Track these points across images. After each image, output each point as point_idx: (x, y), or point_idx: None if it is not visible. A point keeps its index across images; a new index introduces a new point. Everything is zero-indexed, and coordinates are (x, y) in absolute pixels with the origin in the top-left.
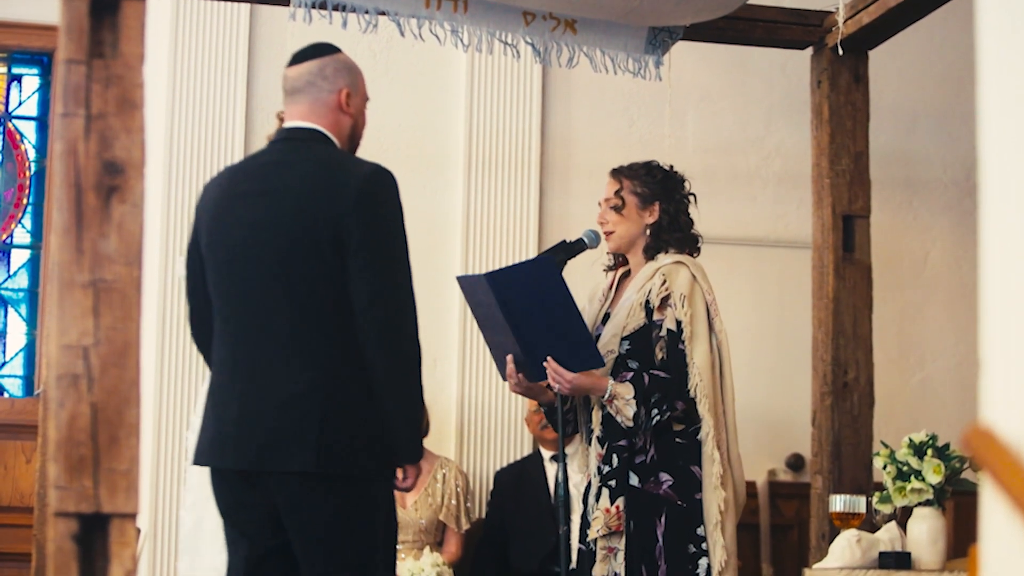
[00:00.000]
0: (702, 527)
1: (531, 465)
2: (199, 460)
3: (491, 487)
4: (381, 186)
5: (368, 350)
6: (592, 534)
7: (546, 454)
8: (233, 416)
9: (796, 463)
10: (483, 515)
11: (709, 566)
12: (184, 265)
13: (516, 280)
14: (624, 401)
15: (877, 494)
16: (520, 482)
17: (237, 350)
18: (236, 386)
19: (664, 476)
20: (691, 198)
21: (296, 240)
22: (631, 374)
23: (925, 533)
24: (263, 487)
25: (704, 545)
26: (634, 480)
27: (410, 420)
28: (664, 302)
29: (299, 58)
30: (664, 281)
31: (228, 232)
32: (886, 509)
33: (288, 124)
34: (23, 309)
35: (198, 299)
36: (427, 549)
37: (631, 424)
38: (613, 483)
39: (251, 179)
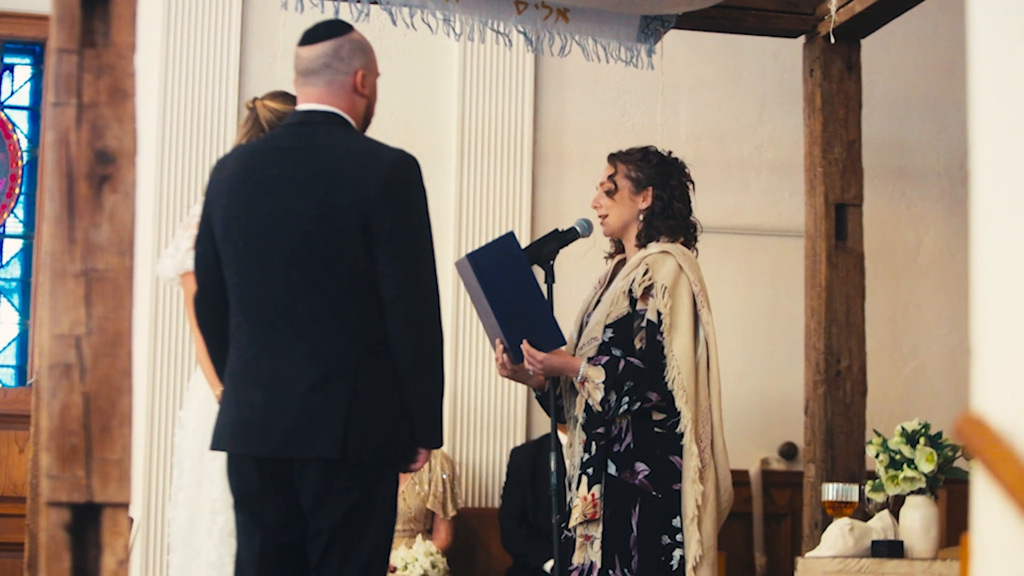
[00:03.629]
0: (678, 518)
1: (546, 447)
2: (218, 445)
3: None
4: (409, 172)
5: (395, 338)
6: (571, 522)
7: (563, 438)
8: (256, 402)
9: (789, 452)
10: (500, 495)
11: (683, 558)
12: (171, 257)
13: (491, 259)
14: (594, 385)
15: (870, 483)
16: (535, 464)
17: (259, 336)
18: (259, 371)
19: (640, 466)
20: (690, 185)
21: (322, 226)
22: (606, 358)
23: (918, 521)
24: (283, 475)
25: (679, 537)
26: (612, 469)
27: (434, 407)
28: (647, 292)
29: (313, 38)
30: (647, 271)
31: (248, 217)
32: (879, 498)
33: (304, 106)
34: (15, 299)
35: (209, 283)
36: (419, 537)
37: (599, 409)
38: (591, 471)
39: (272, 164)
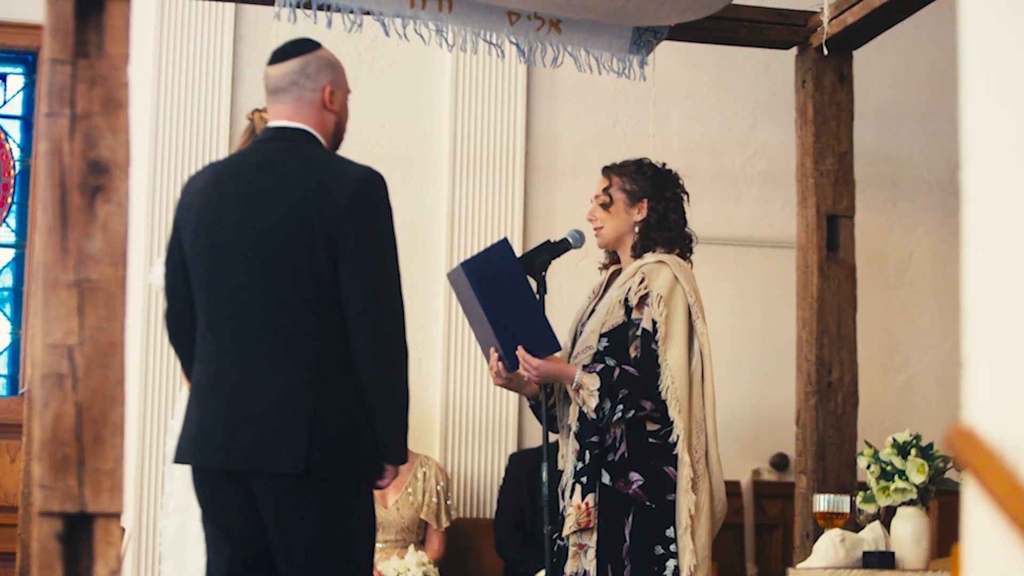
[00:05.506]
0: (671, 528)
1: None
2: (181, 458)
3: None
4: (375, 189)
5: (359, 353)
6: (565, 531)
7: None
8: (220, 415)
9: (780, 463)
10: (494, 503)
11: (677, 568)
12: (163, 265)
13: (485, 266)
14: (588, 392)
15: (861, 493)
16: (535, 470)
17: (224, 349)
18: (223, 385)
19: (634, 475)
20: (684, 197)
21: (288, 242)
22: (601, 366)
23: (909, 533)
24: (247, 487)
25: (673, 547)
26: (606, 478)
27: (398, 423)
28: (642, 301)
29: (281, 56)
30: (643, 280)
31: (216, 232)
32: (870, 509)
33: (273, 123)
34: (8, 308)
35: (178, 297)
36: (411, 548)
37: (593, 416)
38: (584, 479)
39: (240, 179)
